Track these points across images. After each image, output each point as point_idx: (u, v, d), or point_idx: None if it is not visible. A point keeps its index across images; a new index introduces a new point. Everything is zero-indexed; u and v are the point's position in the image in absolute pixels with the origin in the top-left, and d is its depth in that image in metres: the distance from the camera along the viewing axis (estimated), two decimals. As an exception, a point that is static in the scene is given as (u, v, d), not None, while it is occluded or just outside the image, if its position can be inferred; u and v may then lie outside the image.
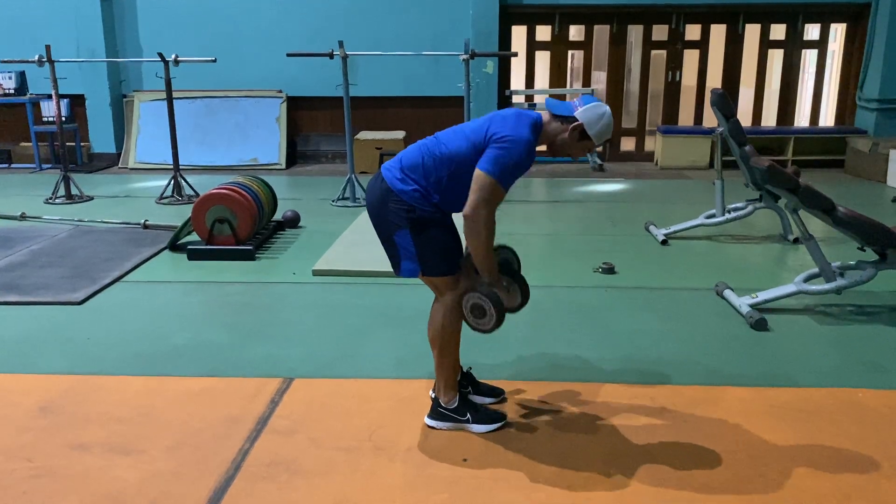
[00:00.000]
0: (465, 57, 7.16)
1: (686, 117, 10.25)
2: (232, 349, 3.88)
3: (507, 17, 9.58)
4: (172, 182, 7.61)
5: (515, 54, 8.02)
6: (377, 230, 2.91)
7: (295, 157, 10.12)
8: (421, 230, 2.78)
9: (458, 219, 2.79)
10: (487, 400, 3.20)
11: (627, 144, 10.35)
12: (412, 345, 3.89)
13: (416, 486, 2.65)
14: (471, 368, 3.24)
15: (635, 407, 3.21)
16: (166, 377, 3.54)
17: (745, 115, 10.27)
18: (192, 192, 7.66)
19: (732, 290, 4.56)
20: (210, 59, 7.38)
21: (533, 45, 9.91)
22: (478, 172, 2.66)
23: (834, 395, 3.32)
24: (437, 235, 2.82)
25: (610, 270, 5.14)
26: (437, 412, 3.02)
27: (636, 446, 2.90)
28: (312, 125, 10.13)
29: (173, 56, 7.31)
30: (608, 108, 2.80)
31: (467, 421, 2.99)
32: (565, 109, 2.79)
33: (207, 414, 3.17)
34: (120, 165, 9.76)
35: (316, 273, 5.10)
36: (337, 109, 9.94)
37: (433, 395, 3.22)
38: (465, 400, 3.03)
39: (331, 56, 7.24)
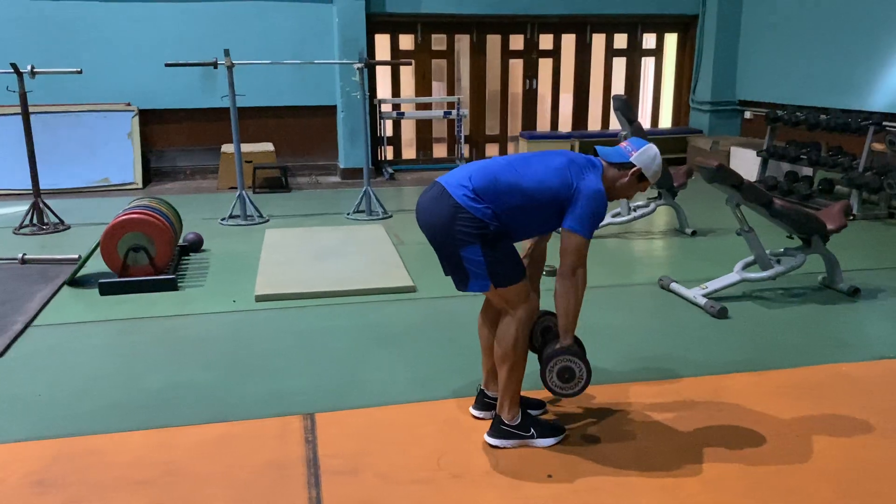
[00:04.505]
0: (359, 65, 7.00)
1: (543, 123, 10.72)
2: (220, 389, 3.52)
3: (371, 26, 9.46)
4: (33, 209, 6.73)
5: (410, 63, 7.98)
6: (440, 247, 2.80)
7: (150, 174, 9.34)
8: (492, 244, 2.74)
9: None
10: (535, 412, 3.17)
11: (492, 150, 10.63)
12: (416, 363, 3.77)
13: (518, 509, 2.57)
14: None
15: (669, 403, 3.33)
16: (167, 428, 3.13)
17: (595, 120, 10.97)
18: (56, 220, 6.83)
19: (677, 282, 4.86)
20: (75, 70, 6.61)
21: (397, 54, 9.88)
22: (571, 235, 2.73)
23: (823, 372, 3.65)
24: (507, 247, 2.80)
25: (553, 272, 5.25)
26: (500, 430, 2.94)
27: (695, 438, 3.01)
28: (167, 140, 9.39)
29: (29, 67, 6.46)
30: (656, 147, 2.93)
31: (531, 436, 2.94)
32: (620, 156, 2.90)
33: (245, 462, 2.86)
34: (-60, 193, 8.47)
35: (259, 299, 4.75)
36: (194, 122, 9.36)
37: (474, 414, 3.16)
38: (526, 415, 2.98)
39: (215, 66, 6.78)
